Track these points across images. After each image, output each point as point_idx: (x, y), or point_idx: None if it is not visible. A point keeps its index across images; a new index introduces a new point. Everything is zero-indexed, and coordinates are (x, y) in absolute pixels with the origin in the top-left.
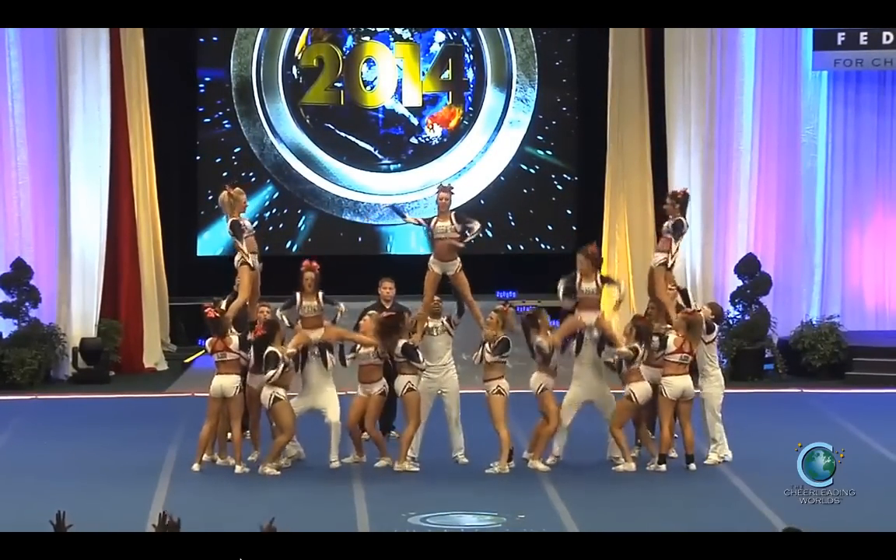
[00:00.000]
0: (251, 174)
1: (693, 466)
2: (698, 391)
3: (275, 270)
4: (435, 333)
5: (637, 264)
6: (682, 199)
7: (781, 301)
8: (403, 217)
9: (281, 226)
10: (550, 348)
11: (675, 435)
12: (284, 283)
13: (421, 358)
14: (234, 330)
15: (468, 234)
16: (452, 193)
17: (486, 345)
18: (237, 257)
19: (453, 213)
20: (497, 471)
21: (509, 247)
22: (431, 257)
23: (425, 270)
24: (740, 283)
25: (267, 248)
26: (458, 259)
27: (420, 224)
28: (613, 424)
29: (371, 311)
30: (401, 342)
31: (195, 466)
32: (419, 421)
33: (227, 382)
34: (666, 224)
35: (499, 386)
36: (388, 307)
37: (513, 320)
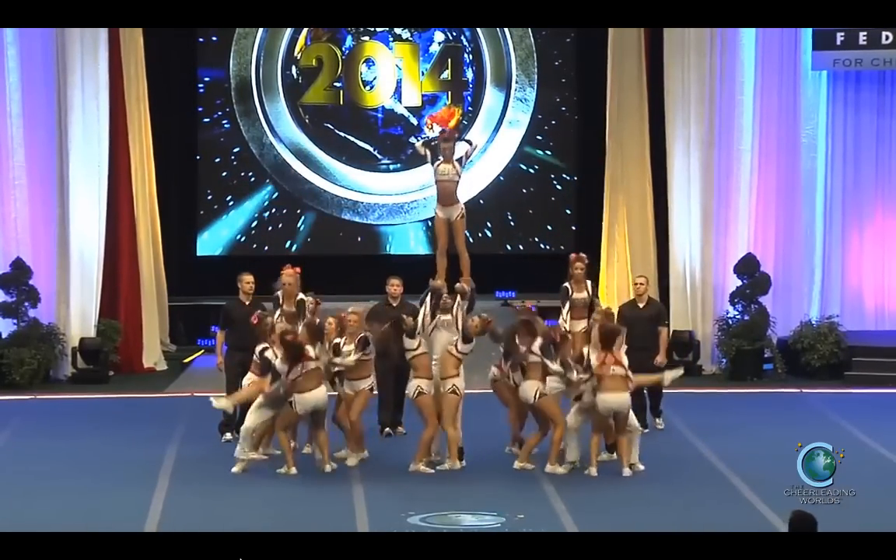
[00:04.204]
0: (250, 174)
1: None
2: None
3: (274, 271)
4: (443, 327)
5: (636, 263)
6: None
7: (781, 301)
8: (413, 146)
9: (280, 226)
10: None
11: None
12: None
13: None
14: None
15: (465, 156)
16: (456, 139)
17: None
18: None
19: (456, 159)
20: (448, 467)
21: (508, 246)
22: (436, 203)
23: (425, 270)
24: (740, 282)
25: (266, 248)
26: (461, 205)
27: (425, 155)
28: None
29: (353, 311)
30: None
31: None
32: (437, 423)
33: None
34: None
35: (454, 385)
36: (395, 305)
37: (496, 333)
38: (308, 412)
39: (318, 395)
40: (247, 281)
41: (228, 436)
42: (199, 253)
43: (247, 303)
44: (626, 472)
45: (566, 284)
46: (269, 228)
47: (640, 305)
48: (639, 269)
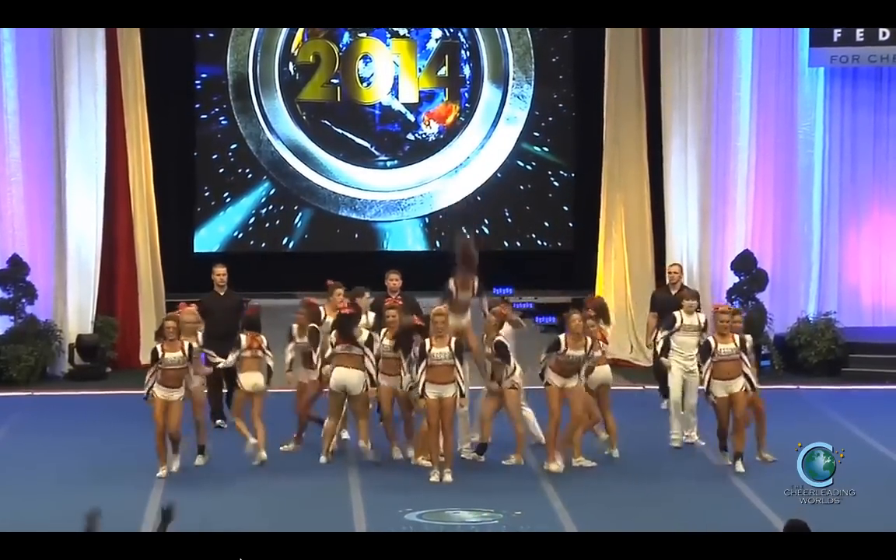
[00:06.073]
0: (248, 171)
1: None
2: None
3: (271, 267)
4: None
5: (633, 260)
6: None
7: (778, 297)
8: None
9: (277, 222)
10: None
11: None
12: (280, 280)
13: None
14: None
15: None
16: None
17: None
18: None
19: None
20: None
21: (506, 243)
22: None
23: (421, 267)
24: (737, 279)
25: (263, 244)
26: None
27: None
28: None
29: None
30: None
31: (322, 459)
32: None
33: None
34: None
35: (512, 380)
36: (394, 298)
37: (512, 315)
38: (339, 390)
39: (348, 375)
40: (218, 273)
41: (220, 422)
42: (196, 249)
43: (221, 294)
44: (616, 453)
45: (709, 339)
46: (267, 225)
47: (673, 292)
48: (637, 266)
